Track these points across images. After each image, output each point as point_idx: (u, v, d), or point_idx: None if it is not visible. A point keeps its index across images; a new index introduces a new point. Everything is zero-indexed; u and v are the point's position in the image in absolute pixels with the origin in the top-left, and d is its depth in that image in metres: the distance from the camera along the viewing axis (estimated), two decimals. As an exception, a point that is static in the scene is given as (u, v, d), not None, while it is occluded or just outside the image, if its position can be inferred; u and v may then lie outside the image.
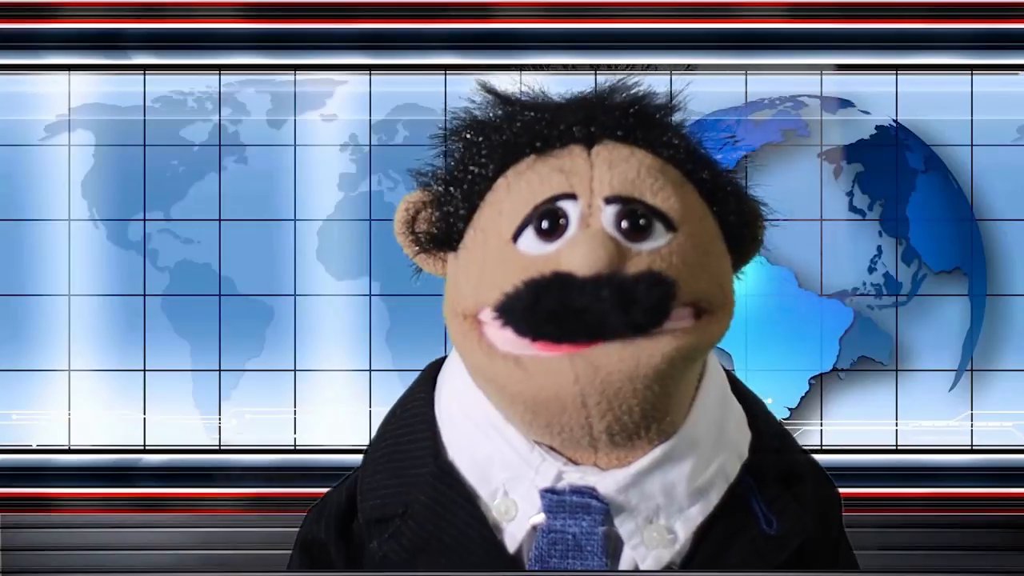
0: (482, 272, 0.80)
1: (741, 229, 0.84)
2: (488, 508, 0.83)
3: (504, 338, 0.78)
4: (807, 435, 2.09)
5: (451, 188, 0.83)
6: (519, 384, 0.77)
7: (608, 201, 0.78)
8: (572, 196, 0.78)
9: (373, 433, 0.93)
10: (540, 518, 0.81)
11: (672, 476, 0.80)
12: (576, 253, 0.75)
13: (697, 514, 0.82)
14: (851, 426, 2.10)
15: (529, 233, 0.78)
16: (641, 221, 0.77)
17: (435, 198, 0.84)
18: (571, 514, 0.80)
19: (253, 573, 1.62)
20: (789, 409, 2.09)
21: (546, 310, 0.74)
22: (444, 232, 0.83)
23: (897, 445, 2.09)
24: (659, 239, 0.78)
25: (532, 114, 0.82)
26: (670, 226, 0.78)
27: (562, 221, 0.78)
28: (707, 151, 0.84)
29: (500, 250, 0.79)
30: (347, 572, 0.90)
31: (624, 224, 0.77)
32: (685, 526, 0.81)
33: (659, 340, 0.75)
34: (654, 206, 0.78)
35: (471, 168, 0.82)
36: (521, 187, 0.80)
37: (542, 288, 0.75)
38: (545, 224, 0.78)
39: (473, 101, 0.85)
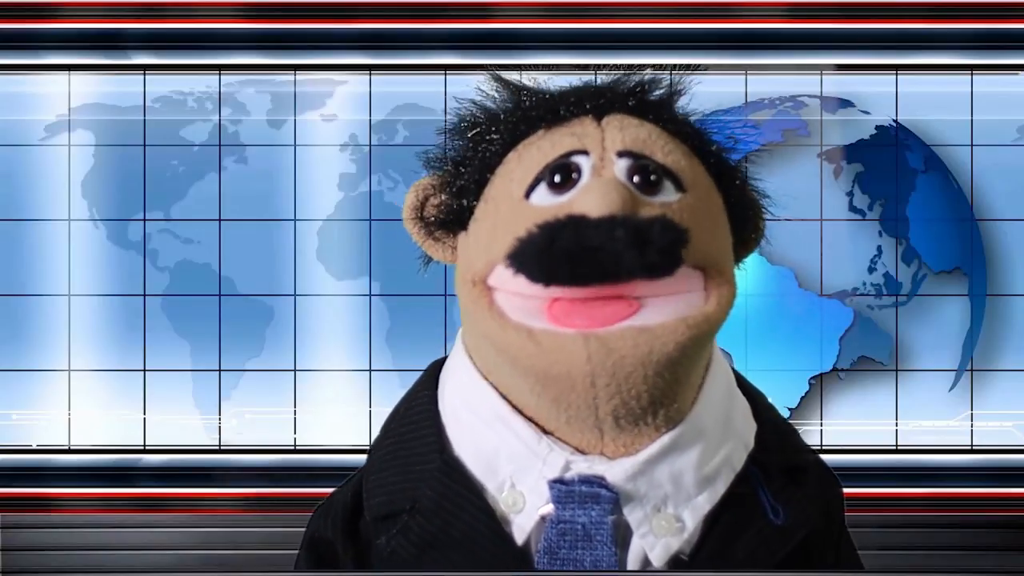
0: (494, 231, 0.80)
1: (744, 212, 0.85)
2: (495, 501, 0.83)
3: (516, 296, 0.77)
4: (807, 435, 2.08)
5: (462, 168, 0.83)
6: (531, 358, 0.76)
7: (620, 155, 0.78)
8: (584, 152, 0.79)
9: (374, 433, 0.93)
10: (548, 509, 0.81)
11: (680, 464, 0.80)
12: (590, 196, 0.75)
13: (705, 502, 0.82)
14: (851, 426, 2.10)
15: (541, 188, 0.79)
16: (652, 176, 0.78)
17: (445, 180, 0.84)
18: (580, 504, 0.80)
19: (253, 573, 1.62)
20: (789, 409, 2.09)
21: (561, 251, 0.73)
22: (455, 212, 0.83)
23: (897, 445, 2.09)
24: (670, 196, 0.78)
25: (541, 95, 0.83)
26: (679, 187, 0.79)
27: (574, 175, 0.78)
28: (713, 136, 0.85)
29: (512, 208, 0.79)
30: (351, 572, 0.90)
31: (636, 179, 0.78)
32: (693, 514, 0.81)
33: (672, 327, 0.75)
34: (664, 164, 0.79)
35: (482, 146, 0.83)
36: (532, 153, 0.81)
37: (556, 229, 0.74)
38: (557, 177, 0.78)
39: (482, 91, 0.85)
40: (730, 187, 0.84)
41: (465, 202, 0.83)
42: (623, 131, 0.80)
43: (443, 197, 0.84)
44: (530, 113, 0.82)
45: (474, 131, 0.84)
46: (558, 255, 0.73)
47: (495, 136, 0.83)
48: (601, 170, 0.78)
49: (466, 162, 0.83)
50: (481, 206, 0.82)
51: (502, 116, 0.84)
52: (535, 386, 0.78)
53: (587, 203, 0.75)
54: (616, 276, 0.73)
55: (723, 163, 0.84)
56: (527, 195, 0.79)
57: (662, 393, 0.77)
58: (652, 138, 0.80)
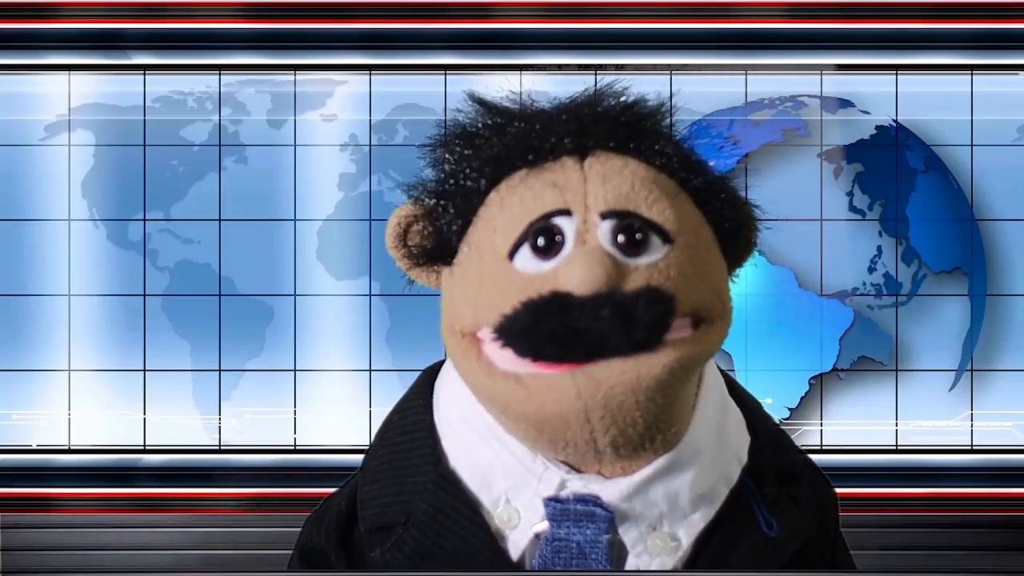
0: (479, 291, 0.79)
1: (736, 234, 0.84)
2: (490, 516, 0.82)
3: (504, 357, 0.77)
4: (807, 435, 2.09)
5: (443, 202, 0.82)
6: (521, 403, 0.76)
7: (604, 216, 0.77)
8: (567, 212, 0.78)
9: (374, 433, 0.93)
10: (543, 526, 0.81)
11: (676, 484, 0.80)
12: (574, 272, 0.75)
13: (700, 520, 0.82)
14: (851, 426, 2.10)
15: (525, 251, 0.78)
16: (637, 235, 0.77)
17: (427, 211, 0.83)
18: (575, 522, 0.80)
19: (253, 573, 1.62)
20: (789, 409, 2.09)
21: (546, 331, 0.74)
22: (437, 246, 0.83)
23: (897, 445, 2.09)
24: (656, 252, 0.77)
25: (522, 125, 0.82)
26: (666, 239, 0.78)
27: (558, 238, 0.77)
28: (700, 157, 0.84)
29: (496, 268, 0.79)
30: (347, 572, 0.90)
31: (620, 239, 0.77)
32: (688, 532, 0.81)
33: (660, 352, 0.75)
34: (650, 219, 0.78)
35: (463, 182, 0.82)
36: (514, 203, 0.80)
37: (541, 309, 0.75)
38: (541, 241, 0.77)
39: (461, 111, 0.85)
40: (720, 213, 0.82)
41: (448, 240, 0.82)
42: (605, 184, 0.78)
43: (425, 226, 0.84)
44: (511, 152, 0.81)
45: (455, 166, 0.83)
46: (543, 335, 0.74)
47: (475, 174, 0.82)
48: (584, 235, 0.77)
49: (447, 196, 0.82)
50: (464, 250, 0.81)
51: (482, 151, 0.82)
52: (528, 431, 0.79)
53: (571, 279, 0.75)
54: (602, 353, 0.74)
55: (711, 190, 0.82)
56: (511, 255, 0.78)
57: (656, 418, 0.77)
58: (636, 189, 0.78)
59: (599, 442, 0.77)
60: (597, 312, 0.73)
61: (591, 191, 0.78)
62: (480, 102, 0.84)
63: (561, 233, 0.77)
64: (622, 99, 0.83)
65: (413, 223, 0.85)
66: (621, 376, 0.74)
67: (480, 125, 0.83)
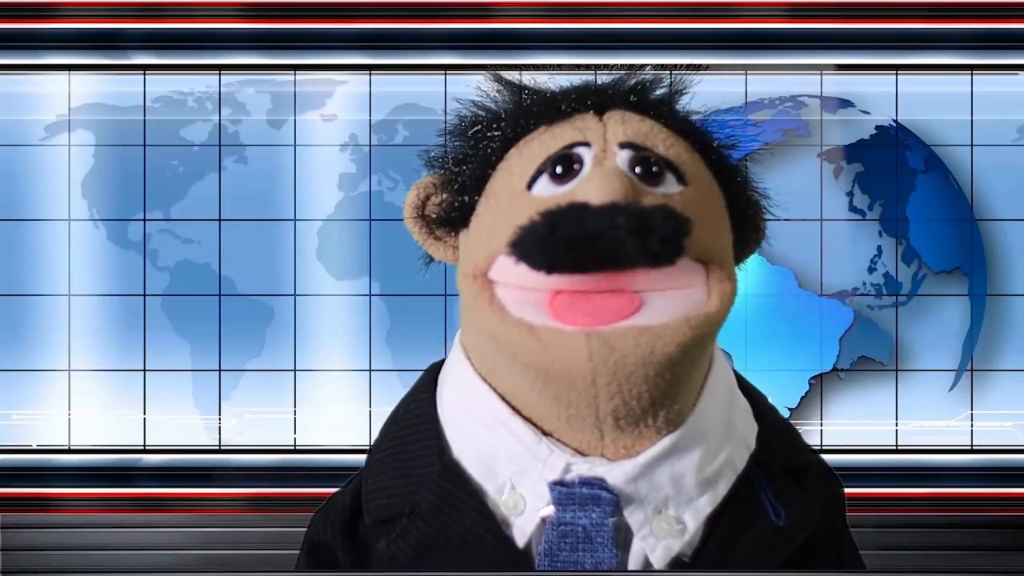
0: (495, 223, 0.80)
1: (745, 211, 0.85)
2: (496, 503, 0.82)
3: (518, 282, 0.77)
4: (807, 435, 2.08)
5: (463, 165, 0.83)
6: (532, 354, 0.76)
7: (622, 146, 0.78)
8: (586, 144, 0.79)
9: (374, 433, 0.93)
10: (549, 511, 0.81)
11: (681, 466, 0.80)
12: (592, 185, 0.75)
13: (706, 504, 0.82)
14: (851, 426, 2.10)
15: (543, 180, 0.79)
16: (654, 168, 0.78)
17: (446, 180, 0.84)
18: (581, 506, 0.80)
19: (253, 573, 1.62)
20: (789, 409, 2.09)
21: (562, 237, 0.73)
22: (456, 208, 0.83)
23: (897, 445, 2.09)
24: (671, 188, 0.78)
25: (543, 93, 0.84)
26: (681, 179, 0.79)
27: (576, 166, 0.78)
28: (714, 136, 0.85)
29: (513, 199, 0.79)
30: (350, 572, 0.90)
31: (638, 169, 0.78)
32: (694, 516, 0.81)
33: (674, 327, 0.75)
34: (666, 156, 0.79)
35: (483, 143, 0.83)
36: (533, 147, 0.81)
37: (558, 216, 0.74)
38: (559, 168, 0.78)
39: (483, 90, 0.85)
40: (731, 184, 0.84)
41: (466, 199, 0.83)
42: (625, 124, 0.80)
43: (444, 195, 0.84)
44: (531, 110, 0.82)
45: (475, 128, 0.84)
46: (560, 242, 0.73)
47: (496, 133, 0.83)
48: (603, 160, 0.78)
49: (467, 160, 0.83)
50: (482, 202, 0.82)
51: (503, 113, 0.83)
52: (535, 383, 0.78)
53: (589, 191, 0.75)
54: (618, 264, 0.73)
55: (724, 161, 0.84)
56: (529, 187, 0.79)
57: (663, 394, 0.77)
58: (654, 132, 0.80)
59: (601, 408, 0.77)
60: (614, 219, 0.73)
61: (610, 128, 0.80)
62: (500, 80, 0.85)
63: (580, 161, 0.78)
64: (639, 77, 0.85)
65: (432, 194, 0.85)
66: (636, 347, 0.74)
67: (502, 96, 0.85)
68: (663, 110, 0.83)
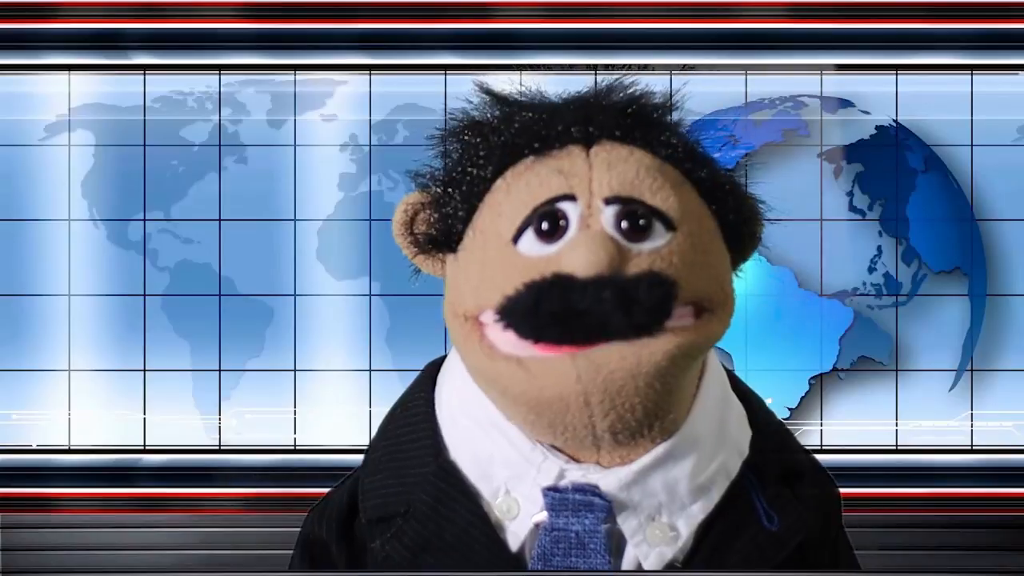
0: (482, 274, 0.80)
1: (740, 227, 0.84)
2: (490, 506, 0.83)
3: (506, 340, 0.78)
4: (807, 435, 2.09)
5: (450, 189, 0.83)
6: (521, 385, 0.77)
7: (608, 202, 0.78)
8: (571, 197, 0.78)
9: (373, 433, 0.93)
10: (542, 516, 0.81)
11: (674, 473, 0.80)
12: (577, 254, 0.75)
13: (699, 511, 0.82)
14: (851, 426, 2.10)
15: (529, 235, 0.78)
16: (641, 221, 0.77)
17: (434, 199, 0.84)
18: (574, 512, 0.80)
19: (253, 573, 1.62)
20: (789, 409, 2.09)
21: (548, 312, 0.74)
22: (443, 233, 0.83)
23: (897, 445, 2.09)
24: (659, 239, 0.78)
25: (529, 115, 0.82)
26: (670, 226, 0.78)
27: (562, 223, 0.78)
28: (705, 150, 0.84)
29: (500, 252, 0.79)
30: (348, 572, 0.90)
31: (624, 224, 0.77)
32: (687, 523, 0.82)
33: (661, 338, 0.75)
34: (653, 206, 0.78)
35: (469, 169, 0.82)
36: (520, 188, 0.80)
37: (543, 290, 0.75)
38: (545, 225, 0.78)
39: (470, 102, 0.85)
40: (724, 205, 0.83)
41: (453, 228, 0.82)
42: (611, 170, 0.79)
43: (432, 213, 0.84)
44: (517, 140, 0.81)
45: (461, 154, 0.83)
46: (545, 317, 0.74)
47: (481, 161, 0.82)
48: (588, 219, 0.77)
49: (454, 184, 0.83)
50: (470, 235, 0.82)
51: (490, 139, 0.83)
52: (528, 415, 0.79)
53: (574, 261, 0.75)
54: (604, 336, 0.74)
55: (716, 181, 0.83)
56: (515, 239, 0.78)
57: (655, 404, 0.77)
58: (640, 176, 0.79)
59: (597, 427, 0.77)
60: (599, 294, 0.74)
61: (596, 177, 0.79)
62: (489, 92, 0.85)
63: (565, 218, 0.78)
64: (629, 91, 0.83)
65: (420, 211, 0.85)
66: (622, 361, 0.74)
67: (488, 115, 0.84)
68: (651, 136, 0.82)
